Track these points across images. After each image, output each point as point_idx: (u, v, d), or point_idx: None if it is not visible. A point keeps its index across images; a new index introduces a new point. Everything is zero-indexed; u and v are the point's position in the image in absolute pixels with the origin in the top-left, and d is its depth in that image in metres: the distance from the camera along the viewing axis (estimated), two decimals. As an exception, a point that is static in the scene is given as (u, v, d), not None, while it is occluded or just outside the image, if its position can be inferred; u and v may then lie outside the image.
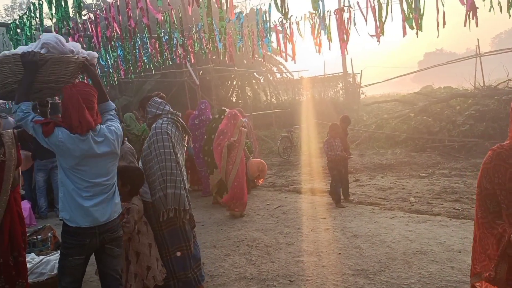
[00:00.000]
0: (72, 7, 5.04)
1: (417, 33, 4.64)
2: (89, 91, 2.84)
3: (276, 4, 3.88)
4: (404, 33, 4.77)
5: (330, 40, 5.83)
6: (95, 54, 3.07)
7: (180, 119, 4.03)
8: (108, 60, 8.59)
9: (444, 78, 34.89)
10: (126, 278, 3.67)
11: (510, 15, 4.91)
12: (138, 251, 3.72)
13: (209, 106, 8.89)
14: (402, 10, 4.89)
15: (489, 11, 4.96)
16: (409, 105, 16.89)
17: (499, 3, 4.94)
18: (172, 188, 3.69)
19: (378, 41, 4.95)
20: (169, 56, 7.71)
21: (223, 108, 7.88)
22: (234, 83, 22.88)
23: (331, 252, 4.89)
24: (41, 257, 4.36)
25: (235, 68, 17.78)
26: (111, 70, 9.29)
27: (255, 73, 22.02)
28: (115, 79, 9.92)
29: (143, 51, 8.32)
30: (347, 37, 5.27)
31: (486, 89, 14.53)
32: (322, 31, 5.27)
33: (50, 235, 5.17)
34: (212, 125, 7.63)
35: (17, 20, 6.14)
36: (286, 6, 3.84)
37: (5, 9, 33.90)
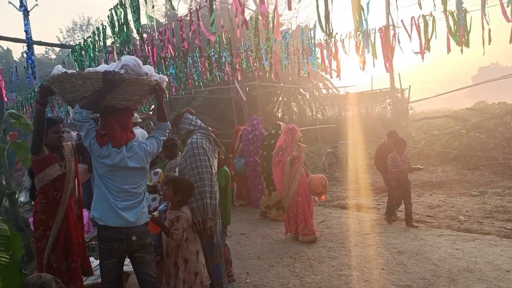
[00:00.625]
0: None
1: (461, 50, 4.64)
2: (126, 116, 3.21)
3: (321, 25, 4.06)
4: (449, 50, 4.78)
5: (375, 57, 5.92)
6: (165, 78, 3.38)
7: (212, 134, 4.27)
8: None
9: (499, 94, 33.45)
10: (174, 284, 3.90)
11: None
12: (186, 258, 3.94)
13: (260, 122, 9.14)
14: (449, 27, 4.91)
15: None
16: (461, 121, 16.40)
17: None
18: (208, 198, 3.91)
19: (422, 58, 4.99)
20: (217, 73, 8.06)
21: (278, 122, 8.00)
22: (280, 99, 23.12)
23: (374, 267, 4.91)
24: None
25: (281, 84, 18.04)
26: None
27: (301, 89, 22.17)
28: (167, 95, 10.44)
29: (194, 69, 8.75)
30: (392, 54, 5.34)
31: (545, 105, 13.87)
32: (366, 49, 5.39)
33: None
34: (271, 141, 7.72)
35: (82, 43, 6.72)
36: (330, 27, 4.01)
37: (67, 30, 36.26)
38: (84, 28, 35.24)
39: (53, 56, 33.55)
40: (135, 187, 3.21)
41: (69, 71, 2.99)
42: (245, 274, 4.92)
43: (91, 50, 5.98)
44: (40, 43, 7.43)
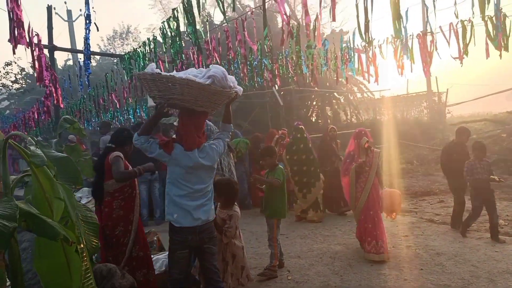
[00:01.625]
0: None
1: (500, 55, 4.72)
2: (202, 118, 3.48)
3: (360, 34, 4.26)
4: (487, 55, 4.87)
5: (413, 62, 6.04)
6: (241, 89, 3.59)
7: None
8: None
9: (544, 96, 32.09)
10: (223, 277, 4.19)
11: None
12: (234, 254, 4.24)
13: None
14: (488, 33, 4.97)
15: None
16: (501, 124, 16.04)
17: None
18: None
19: (461, 63, 5.09)
20: (257, 79, 8.33)
21: (300, 126, 8.08)
22: (314, 103, 23.22)
23: (413, 268, 5.03)
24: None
25: (316, 88, 18.18)
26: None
27: (335, 93, 22.20)
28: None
29: (235, 76, 9.09)
30: (430, 59, 5.46)
31: None
32: (405, 55, 5.52)
33: (155, 238, 5.90)
34: (300, 146, 7.89)
35: (131, 52, 7.17)
36: (370, 35, 4.21)
37: (107, 38, 37.68)
38: (124, 36, 36.52)
39: (94, 63, 34.97)
40: (206, 186, 3.49)
41: (163, 73, 3.23)
42: (286, 272, 5.15)
43: (141, 59, 6.39)
44: (94, 53, 7.94)
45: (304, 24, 4.53)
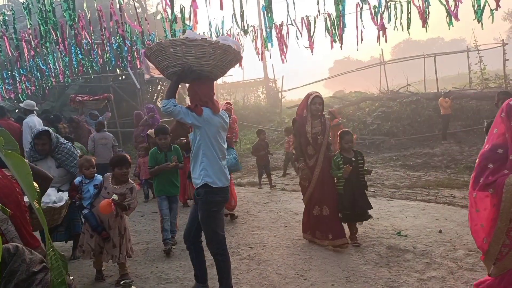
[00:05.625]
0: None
1: (341, 47, 5.84)
2: (213, 87, 3.70)
3: (236, 22, 4.76)
4: (332, 46, 5.94)
5: (267, 50, 6.87)
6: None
7: None
8: (54, 64, 8.86)
9: (351, 84, 38.06)
10: (120, 249, 4.29)
11: (409, 34, 6.37)
12: (125, 227, 4.39)
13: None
14: (329, 27, 6.07)
15: (393, 29, 6.38)
16: (325, 108, 18.69)
17: (401, 24, 6.39)
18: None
19: (312, 52, 6.09)
20: (120, 62, 8.10)
21: None
22: (159, 88, 23.15)
23: (279, 226, 5.90)
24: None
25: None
26: (53, 74, 9.48)
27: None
28: (53, 82, 10.07)
29: (90, 57, 8.68)
30: (286, 48, 6.34)
31: (390, 93, 16.75)
32: (269, 44, 6.27)
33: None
34: None
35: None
36: (246, 24, 4.74)
37: None
38: None
39: None
40: (225, 146, 3.75)
41: (208, 38, 3.32)
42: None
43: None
44: None
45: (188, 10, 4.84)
